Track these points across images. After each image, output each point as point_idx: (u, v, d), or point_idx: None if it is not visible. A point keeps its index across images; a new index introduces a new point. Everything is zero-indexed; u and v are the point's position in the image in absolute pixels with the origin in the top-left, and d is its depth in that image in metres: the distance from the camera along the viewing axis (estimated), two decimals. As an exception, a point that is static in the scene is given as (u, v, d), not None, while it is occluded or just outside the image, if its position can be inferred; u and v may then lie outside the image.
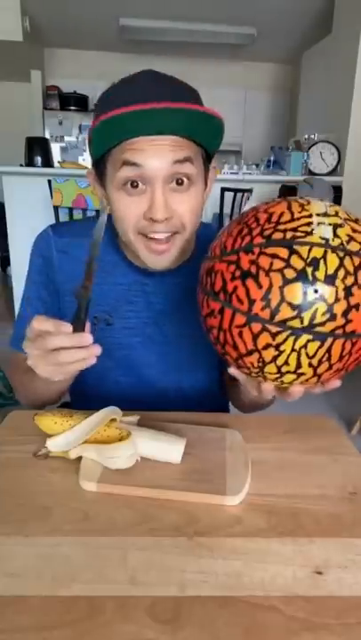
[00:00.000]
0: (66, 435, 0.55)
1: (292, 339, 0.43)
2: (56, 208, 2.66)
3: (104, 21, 4.36)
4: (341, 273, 0.42)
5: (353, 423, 2.05)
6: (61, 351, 0.49)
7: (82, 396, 0.79)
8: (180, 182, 0.60)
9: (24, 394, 0.75)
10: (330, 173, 3.21)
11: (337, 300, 0.42)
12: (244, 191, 2.79)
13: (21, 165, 3.27)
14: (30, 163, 3.23)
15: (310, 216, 0.45)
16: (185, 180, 0.60)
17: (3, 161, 3.05)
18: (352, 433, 2.01)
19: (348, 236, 0.44)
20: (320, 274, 0.42)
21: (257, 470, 0.55)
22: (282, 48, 4.96)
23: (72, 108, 5.19)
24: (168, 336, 0.74)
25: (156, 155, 0.57)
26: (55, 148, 3.88)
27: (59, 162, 3.48)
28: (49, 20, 4.37)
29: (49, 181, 2.48)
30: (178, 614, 0.36)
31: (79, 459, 0.54)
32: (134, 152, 0.57)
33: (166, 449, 0.54)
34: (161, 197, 0.58)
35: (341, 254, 0.43)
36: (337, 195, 2.96)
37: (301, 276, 0.42)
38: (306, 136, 3.40)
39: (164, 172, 0.58)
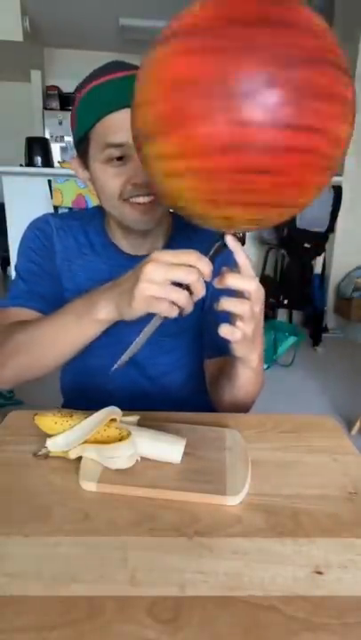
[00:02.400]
0: (66, 434, 0.55)
1: None
2: (56, 208, 2.66)
3: (104, 21, 4.37)
4: None
5: (353, 423, 2.05)
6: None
7: (74, 391, 0.80)
8: None
9: (7, 353, 0.69)
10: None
11: None
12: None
13: (21, 165, 3.27)
14: (30, 163, 3.23)
15: None
16: None
17: (3, 161, 3.05)
18: (352, 433, 2.01)
19: None
20: None
21: (257, 470, 0.55)
22: (282, 48, 4.96)
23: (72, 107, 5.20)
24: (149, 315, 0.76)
25: None
26: (55, 148, 3.89)
27: (59, 162, 3.48)
28: (49, 20, 4.37)
29: (49, 181, 2.49)
30: (178, 614, 0.36)
31: (79, 459, 0.54)
32: (114, 132, 0.62)
33: (166, 449, 0.54)
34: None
35: None
36: (337, 195, 2.96)
37: None
38: (306, 136, 3.39)
39: None
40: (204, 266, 0.49)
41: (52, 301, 0.73)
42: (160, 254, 0.51)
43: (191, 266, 0.49)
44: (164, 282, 0.50)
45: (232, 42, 0.36)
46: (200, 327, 0.81)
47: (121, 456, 0.51)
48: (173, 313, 0.51)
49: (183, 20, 0.40)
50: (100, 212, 0.80)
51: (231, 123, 0.37)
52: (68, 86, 5.19)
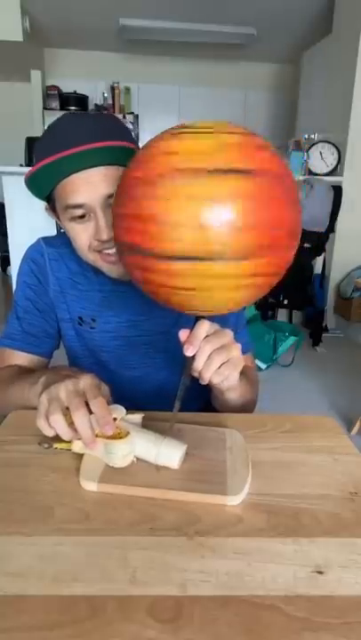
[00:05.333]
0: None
1: None
2: (56, 208, 2.64)
3: (104, 21, 4.36)
4: None
5: (353, 423, 2.05)
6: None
7: None
8: None
9: None
10: (330, 173, 3.21)
11: None
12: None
13: (21, 165, 3.27)
14: (30, 163, 3.23)
15: None
16: None
17: (3, 161, 3.04)
18: (352, 433, 2.01)
19: None
20: None
21: (257, 470, 0.55)
22: (282, 48, 4.95)
23: (72, 108, 5.18)
24: (147, 335, 0.81)
25: (90, 190, 0.64)
26: (55, 148, 3.88)
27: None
28: (49, 20, 4.37)
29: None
30: (178, 614, 0.36)
31: (80, 458, 0.54)
32: (71, 194, 0.64)
33: (165, 454, 0.53)
34: (103, 221, 0.65)
35: None
36: (337, 195, 2.96)
37: None
38: (306, 136, 3.39)
39: (100, 201, 0.65)
40: None
41: (44, 338, 0.82)
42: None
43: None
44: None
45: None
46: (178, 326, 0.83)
47: (116, 454, 0.51)
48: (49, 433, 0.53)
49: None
50: None
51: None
52: (68, 86, 5.18)
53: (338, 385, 2.57)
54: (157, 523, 0.46)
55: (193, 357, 0.55)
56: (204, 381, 0.57)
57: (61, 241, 0.83)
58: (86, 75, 5.21)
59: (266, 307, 3.24)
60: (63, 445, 0.55)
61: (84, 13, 4.22)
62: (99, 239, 0.67)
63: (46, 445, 0.56)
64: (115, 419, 0.55)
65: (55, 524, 0.45)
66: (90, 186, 0.64)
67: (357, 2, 3.20)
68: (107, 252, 0.69)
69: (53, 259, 0.81)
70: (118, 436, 0.54)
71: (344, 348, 3.21)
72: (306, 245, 2.96)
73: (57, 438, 0.55)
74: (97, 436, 0.54)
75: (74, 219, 0.67)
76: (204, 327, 0.54)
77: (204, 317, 0.55)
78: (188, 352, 0.54)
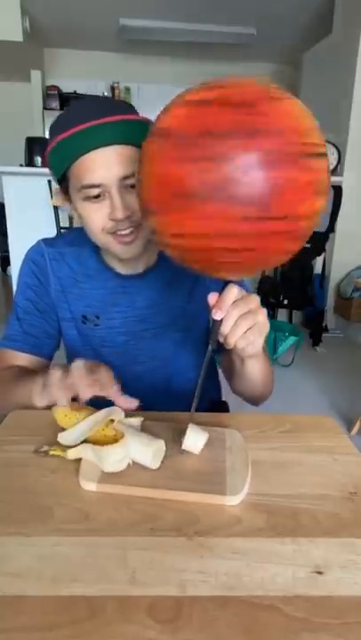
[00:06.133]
0: (71, 430, 0.56)
1: None
2: (56, 208, 2.66)
3: (104, 21, 4.36)
4: None
5: (353, 423, 2.05)
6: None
7: None
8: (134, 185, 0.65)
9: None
10: (330, 173, 3.21)
11: None
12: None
13: (21, 165, 3.27)
14: (30, 163, 3.23)
15: None
16: None
17: (3, 161, 3.04)
18: (352, 433, 2.01)
19: None
20: None
21: (257, 470, 0.55)
22: (282, 48, 4.95)
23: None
24: (154, 329, 0.81)
25: (105, 166, 0.64)
26: (55, 148, 3.88)
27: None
28: (49, 20, 4.37)
29: (49, 181, 2.49)
30: (178, 614, 0.36)
31: (78, 459, 0.54)
32: (87, 173, 0.64)
33: (147, 454, 0.53)
34: (119, 200, 0.65)
35: None
36: (337, 195, 2.96)
37: None
38: (306, 136, 3.39)
39: (116, 180, 0.64)
40: None
41: (44, 339, 0.82)
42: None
43: None
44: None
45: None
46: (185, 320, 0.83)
47: (108, 459, 0.51)
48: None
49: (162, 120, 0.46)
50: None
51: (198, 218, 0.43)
52: (68, 86, 5.19)
53: (338, 385, 2.57)
54: (157, 523, 0.46)
55: (220, 322, 0.55)
56: (230, 346, 0.57)
57: (62, 241, 0.83)
58: (86, 75, 5.21)
59: (266, 307, 3.24)
60: (58, 452, 0.55)
61: (84, 13, 4.22)
62: (114, 218, 0.66)
63: (42, 452, 0.56)
64: (112, 420, 0.56)
65: (54, 525, 0.45)
66: (106, 165, 0.64)
67: (357, 2, 3.20)
68: (121, 232, 0.68)
69: (54, 259, 0.81)
70: (114, 438, 0.54)
71: (344, 348, 3.21)
72: (306, 245, 2.96)
73: (53, 444, 0.56)
74: (97, 440, 0.54)
75: (88, 198, 0.66)
76: (233, 292, 0.54)
77: (233, 282, 0.55)
78: (217, 315, 0.54)
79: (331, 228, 3.00)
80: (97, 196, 0.66)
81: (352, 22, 3.27)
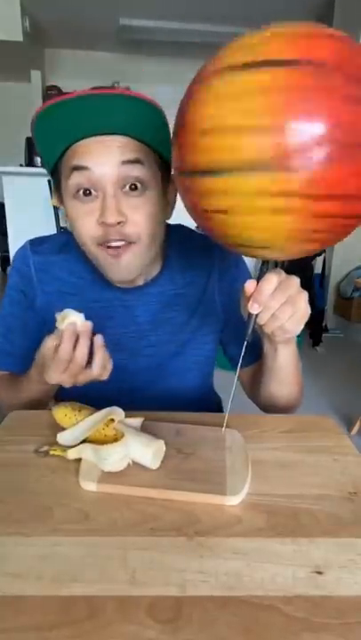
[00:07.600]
0: (71, 430, 0.56)
1: None
2: (56, 208, 2.66)
3: (104, 21, 4.36)
4: None
5: (353, 423, 2.05)
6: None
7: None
8: (133, 187, 0.59)
9: (8, 403, 0.75)
10: None
11: None
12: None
13: (21, 165, 3.27)
14: (30, 163, 3.23)
15: None
16: (138, 184, 0.59)
17: (3, 161, 3.04)
18: (352, 433, 2.01)
19: None
20: None
21: (257, 470, 0.55)
22: (282, 48, 4.95)
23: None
24: (155, 345, 0.75)
25: (103, 155, 0.57)
26: (55, 148, 3.88)
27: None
28: (49, 20, 4.37)
29: (49, 181, 2.49)
30: (178, 614, 0.36)
31: (78, 459, 0.54)
32: (82, 155, 0.57)
33: (147, 454, 0.52)
34: (112, 200, 0.58)
35: None
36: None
37: None
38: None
39: (113, 175, 0.58)
40: None
41: (27, 357, 0.70)
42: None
43: None
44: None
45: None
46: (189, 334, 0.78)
47: (108, 459, 0.51)
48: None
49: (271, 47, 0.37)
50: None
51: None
52: (67, 86, 5.18)
53: (338, 385, 2.57)
54: (157, 523, 0.46)
55: (256, 314, 0.51)
56: (266, 334, 0.54)
57: (51, 245, 0.75)
58: (86, 75, 5.21)
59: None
60: (58, 452, 0.55)
61: (84, 13, 4.22)
62: (104, 221, 0.58)
63: (42, 452, 0.56)
64: (112, 420, 0.56)
65: (54, 525, 0.45)
66: (103, 149, 0.56)
67: (357, 2, 3.20)
68: (111, 244, 0.60)
69: (41, 269, 0.73)
70: (114, 438, 0.54)
71: (344, 347, 3.21)
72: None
73: (53, 444, 0.56)
74: (97, 440, 0.54)
75: (78, 193, 0.59)
76: (273, 282, 0.49)
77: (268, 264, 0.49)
78: (253, 310, 0.50)
79: (331, 227, 2.99)
80: (88, 193, 0.59)
81: (352, 22, 3.27)
